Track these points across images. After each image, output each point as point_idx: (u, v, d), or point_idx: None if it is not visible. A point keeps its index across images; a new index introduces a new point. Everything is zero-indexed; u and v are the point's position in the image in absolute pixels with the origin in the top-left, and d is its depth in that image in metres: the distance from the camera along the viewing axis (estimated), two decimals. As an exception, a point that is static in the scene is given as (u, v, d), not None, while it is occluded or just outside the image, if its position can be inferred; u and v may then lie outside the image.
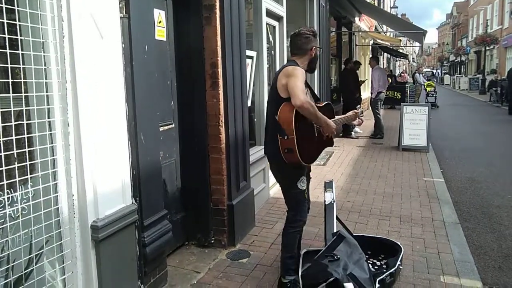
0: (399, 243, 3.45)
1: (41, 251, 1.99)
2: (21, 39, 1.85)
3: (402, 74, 25.95)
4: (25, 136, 1.87)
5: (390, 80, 18.81)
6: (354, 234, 3.32)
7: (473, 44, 35.43)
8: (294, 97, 2.58)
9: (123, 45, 2.35)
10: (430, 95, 18.41)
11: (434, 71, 47.16)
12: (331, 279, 2.57)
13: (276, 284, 3.08)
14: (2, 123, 1.76)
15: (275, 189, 5.47)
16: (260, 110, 5.01)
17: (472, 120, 10.70)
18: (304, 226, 3.00)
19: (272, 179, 5.42)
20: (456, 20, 55.85)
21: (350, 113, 3.28)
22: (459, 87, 33.36)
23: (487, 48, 30.78)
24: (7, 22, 1.76)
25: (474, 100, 23.50)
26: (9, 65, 1.76)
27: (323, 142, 2.97)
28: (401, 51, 25.63)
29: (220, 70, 3.51)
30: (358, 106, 3.42)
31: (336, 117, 3.13)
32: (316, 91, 7.79)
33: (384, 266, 3.22)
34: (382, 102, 10.37)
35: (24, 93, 1.90)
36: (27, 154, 1.87)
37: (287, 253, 2.94)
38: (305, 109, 2.59)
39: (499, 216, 4.88)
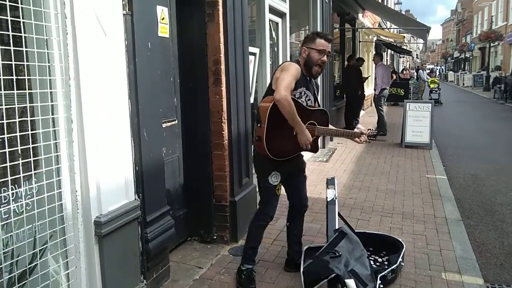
0: (400, 240, 3.46)
1: (45, 246, 2.01)
2: (25, 36, 1.86)
3: (404, 71, 25.82)
4: (29, 132, 1.89)
5: (395, 77, 18.76)
6: (356, 231, 3.33)
7: (478, 40, 35.25)
8: (276, 90, 2.59)
9: (126, 42, 2.36)
10: (433, 91, 18.36)
11: (433, 66, 46.20)
12: (333, 275, 2.59)
13: (277, 279, 3.11)
14: (6, 119, 1.78)
15: (277, 186, 5.48)
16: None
17: (475, 117, 10.66)
18: (271, 221, 3.03)
19: (274, 175, 5.43)
20: (461, 16, 55.56)
21: (356, 130, 3.09)
22: (463, 83, 33.22)
23: (492, 44, 30.64)
24: (11, 20, 1.77)
25: (478, 97, 23.40)
26: (13, 62, 1.78)
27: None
28: (404, 47, 25.52)
29: (222, 67, 3.52)
30: (372, 129, 3.21)
31: (331, 127, 3.06)
32: (319, 88, 7.78)
33: (386, 263, 3.23)
34: (385, 99, 10.34)
35: (28, 90, 1.92)
36: (31, 150, 1.89)
37: (250, 243, 3.05)
38: (281, 104, 2.56)
39: (501, 213, 4.88)
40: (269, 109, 2.63)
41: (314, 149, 2.97)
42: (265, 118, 2.64)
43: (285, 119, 2.66)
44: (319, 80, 7.66)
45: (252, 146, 2.88)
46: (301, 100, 2.83)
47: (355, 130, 3.09)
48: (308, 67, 2.85)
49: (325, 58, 2.82)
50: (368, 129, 3.19)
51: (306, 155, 7.07)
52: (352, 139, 3.04)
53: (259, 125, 2.70)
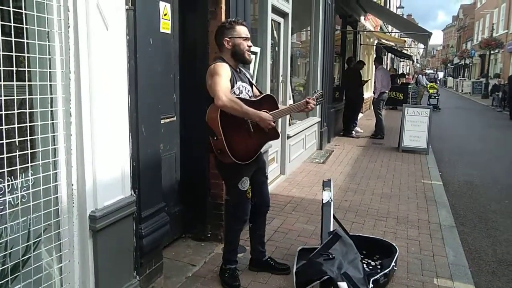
0: (394, 244, 3.47)
1: (39, 239, 2.00)
2: (26, 28, 1.86)
3: (407, 77, 25.87)
4: (27, 124, 1.88)
5: (399, 81, 18.79)
6: (350, 234, 3.34)
7: (478, 47, 35.31)
8: (215, 98, 2.53)
9: (127, 37, 2.35)
10: (432, 97, 18.40)
11: (432, 71, 45.22)
12: (325, 277, 2.59)
13: (269, 280, 3.11)
14: (4, 110, 1.77)
15: (273, 185, 5.49)
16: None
17: (473, 124, 10.70)
18: (245, 224, 3.03)
19: (271, 175, 5.44)
20: (462, 23, 55.68)
21: (302, 102, 3.05)
22: (462, 90, 33.31)
23: (492, 52, 30.70)
24: (13, 10, 1.77)
25: (476, 104, 23.48)
26: (13, 54, 1.77)
27: (264, 135, 2.83)
28: (405, 51, 25.55)
29: (223, 65, 3.51)
30: (317, 90, 3.21)
31: (282, 107, 3.05)
32: (319, 89, 7.77)
33: (379, 267, 3.24)
34: (384, 103, 10.36)
35: (28, 81, 1.91)
36: (28, 142, 1.88)
37: (229, 247, 3.06)
38: (228, 108, 2.52)
39: (495, 221, 4.90)
40: (219, 119, 2.57)
41: (275, 135, 2.95)
42: (218, 129, 2.58)
43: (237, 122, 2.64)
44: (318, 81, 7.70)
45: (214, 156, 2.82)
46: (243, 95, 2.78)
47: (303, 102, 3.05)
48: (238, 56, 2.77)
49: (249, 43, 2.80)
50: (314, 92, 3.22)
51: (303, 156, 7.09)
52: (304, 110, 3.05)
53: (215, 138, 2.64)
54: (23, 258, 1.91)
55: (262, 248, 3.24)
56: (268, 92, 5.05)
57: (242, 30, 2.77)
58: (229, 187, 2.95)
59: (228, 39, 2.76)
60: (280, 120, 5.43)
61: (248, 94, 2.87)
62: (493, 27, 32.64)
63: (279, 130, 5.76)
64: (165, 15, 3.12)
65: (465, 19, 53.91)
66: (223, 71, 2.64)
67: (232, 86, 2.71)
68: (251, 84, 2.96)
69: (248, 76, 3.00)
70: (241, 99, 2.65)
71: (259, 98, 2.88)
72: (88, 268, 2.17)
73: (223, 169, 2.88)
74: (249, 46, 2.80)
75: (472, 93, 29.63)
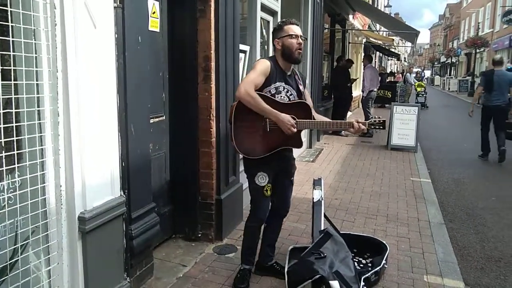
0: (384, 242, 3.49)
1: (26, 241, 1.96)
2: (12, 26, 1.81)
3: (396, 75, 26.11)
4: (14, 125, 1.84)
5: (392, 78, 18.88)
6: (340, 232, 3.34)
7: (464, 46, 35.78)
8: (238, 87, 2.61)
9: (116, 35, 2.31)
10: (420, 95, 18.58)
11: (419, 70, 45.36)
12: (317, 276, 2.59)
13: (261, 279, 3.10)
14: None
15: (263, 184, 5.47)
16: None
17: (460, 122, 10.84)
18: (262, 224, 2.99)
19: (261, 174, 5.42)
20: (448, 22, 56.31)
21: (354, 122, 2.73)
22: (449, 88, 33.70)
23: (478, 50, 31.11)
24: (-2, 8, 1.73)
25: (463, 102, 23.75)
26: (-1, 52, 1.73)
27: (284, 138, 2.69)
28: (393, 50, 25.76)
29: (213, 63, 3.49)
30: (378, 117, 2.81)
31: (321, 119, 2.87)
32: (307, 88, 7.80)
33: (370, 265, 3.25)
34: (373, 101, 10.43)
35: (14, 80, 1.87)
36: (15, 143, 1.84)
37: (246, 243, 3.05)
38: (244, 100, 2.57)
39: (483, 217, 4.96)
40: (234, 108, 2.65)
41: (297, 143, 2.80)
42: (231, 116, 2.67)
43: (253, 116, 2.63)
44: (307, 79, 7.70)
45: None
46: (281, 95, 2.73)
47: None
48: (287, 55, 2.73)
49: (300, 40, 2.72)
50: (372, 116, 3.03)
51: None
52: (348, 130, 2.83)
53: (229, 123, 2.73)
54: (10, 261, 1.87)
55: (271, 252, 3.16)
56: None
57: (289, 29, 2.74)
58: (248, 180, 2.89)
59: (277, 40, 2.77)
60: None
61: (289, 97, 2.77)
62: (478, 26, 33.09)
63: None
64: (153, 13, 3.08)
65: (451, 18, 54.52)
66: (261, 67, 2.67)
67: (269, 84, 2.69)
68: (299, 92, 2.85)
69: (300, 82, 2.88)
70: (267, 97, 2.63)
71: (290, 102, 2.76)
72: (77, 271, 2.14)
73: (245, 160, 2.84)
74: (299, 43, 2.71)
75: (459, 91, 30.02)
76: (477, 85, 11.33)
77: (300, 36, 2.74)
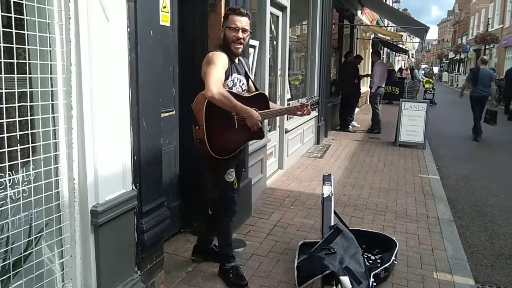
0: (394, 239, 3.48)
1: (40, 234, 1.98)
2: (26, 19, 1.82)
3: (404, 71, 25.92)
4: (28, 118, 1.85)
5: (400, 74, 18.74)
6: (349, 228, 3.34)
7: (473, 42, 35.41)
8: (205, 87, 2.49)
9: (128, 30, 2.31)
10: (428, 92, 18.44)
11: (427, 66, 45.00)
12: (327, 271, 2.59)
13: (270, 274, 3.11)
14: (5, 104, 1.74)
15: (272, 180, 5.48)
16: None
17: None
18: (235, 214, 3.00)
19: (269, 169, 5.44)
20: (457, 17, 55.73)
21: (296, 103, 2.97)
22: (457, 85, 33.38)
23: (487, 47, 30.77)
24: (13, 1, 1.73)
25: (471, 99, 23.51)
26: (14, 45, 1.73)
27: (248, 133, 2.76)
28: (401, 46, 25.55)
29: (223, 58, 3.47)
30: (314, 96, 3.18)
31: (275, 107, 2.99)
32: (316, 84, 7.77)
33: (379, 261, 3.25)
34: (381, 97, 10.37)
35: (28, 74, 1.87)
36: (29, 136, 1.85)
37: (224, 242, 3.02)
38: (216, 100, 2.47)
39: (492, 214, 4.93)
40: (204, 109, 2.54)
41: (260, 134, 2.88)
42: (202, 119, 2.55)
43: (222, 115, 2.59)
44: (315, 75, 7.68)
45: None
46: (236, 87, 2.75)
47: (298, 104, 2.96)
48: (226, 46, 2.70)
49: (239, 34, 2.66)
50: (310, 97, 3.19)
51: (301, 150, 7.09)
52: (296, 114, 2.98)
53: (197, 127, 2.62)
54: (24, 254, 1.89)
55: (211, 237, 3.26)
56: (267, 86, 5.03)
57: (232, 20, 2.67)
58: (216, 181, 2.90)
59: (222, 28, 2.74)
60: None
61: (242, 87, 2.82)
62: (488, 21, 32.72)
63: (277, 124, 5.76)
64: (164, 7, 3.08)
65: (460, 13, 53.95)
66: (220, 60, 2.59)
67: (227, 78, 2.67)
68: (247, 77, 2.90)
69: (246, 68, 2.93)
70: (232, 93, 2.61)
71: (251, 95, 2.83)
72: (89, 264, 2.15)
73: (208, 162, 2.83)
74: (236, 37, 2.67)
75: (467, 87, 29.70)
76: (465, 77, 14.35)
77: (242, 29, 2.68)
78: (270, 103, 2.95)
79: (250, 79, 2.95)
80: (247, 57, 4.06)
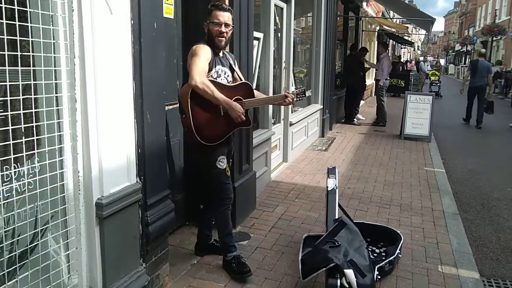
0: (399, 232, 3.48)
1: (46, 226, 1.99)
2: (30, 11, 1.81)
3: (409, 63, 25.74)
4: (33, 110, 1.85)
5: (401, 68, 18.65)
6: (354, 221, 3.33)
7: (480, 34, 35.03)
8: (189, 77, 2.61)
9: (132, 22, 2.30)
10: (434, 84, 18.31)
11: (432, 58, 44.75)
12: (332, 264, 2.59)
13: (275, 266, 3.11)
14: (9, 96, 1.74)
15: (276, 173, 5.48)
16: (265, 93, 4.97)
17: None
18: (231, 202, 3.03)
19: (274, 162, 5.43)
20: (464, 9, 55.11)
21: (280, 95, 3.07)
22: (463, 77, 33.09)
23: (494, 38, 30.45)
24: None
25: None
26: (18, 38, 1.73)
27: (234, 121, 2.82)
28: (406, 38, 25.33)
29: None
30: (301, 87, 3.21)
31: (260, 96, 3.05)
32: (320, 76, 7.73)
33: (383, 254, 3.24)
34: (386, 90, 10.30)
35: (32, 66, 1.87)
36: (34, 128, 1.85)
37: (223, 232, 3.05)
38: (200, 90, 2.59)
39: (498, 208, 4.90)
40: (189, 98, 2.65)
41: (247, 122, 2.91)
42: (187, 107, 2.67)
43: (208, 102, 2.68)
44: (320, 67, 7.63)
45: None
46: (220, 79, 2.84)
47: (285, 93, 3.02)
48: (210, 40, 2.81)
49: (222, 28, 2.77)
50: (297, 87, 3.23)
51: (305, 143, 7.07)
52: (281, 104, 3.04)
53: (184, 116, 2.72)
54: (30, 246, 1.90)
55: (209, 232, 3.28)
56: (271, 78, 5.01)
57: (215, 15, 2.78)
58: (208, 169, 2.92)
59: (205, 23, 2.84)
60: (282, 107, 5.39)
61: (227, 79, 2.91)
62: (495, 13, 32.31)
63: (281, 117, 5.74)
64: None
65: (467, 5, 53.30)
66: (203, 52, 2.70)
67: (210, 69, 2.76)
68: (232, 70, 2.99)
69: (231, 61, 3.02)
70: (216, 83, 2.71)
71: (235, 84, 2.92)
72: (95, 256, 2.16)
73: (199, 148, 2.85)
74: (219, 31, 2.77)
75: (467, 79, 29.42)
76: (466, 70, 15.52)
77: (225, 23, 2.78)
78: (256, 92, 3.05)
79: (235, 72, 3.03)
80: (251, 49, 4.04)
